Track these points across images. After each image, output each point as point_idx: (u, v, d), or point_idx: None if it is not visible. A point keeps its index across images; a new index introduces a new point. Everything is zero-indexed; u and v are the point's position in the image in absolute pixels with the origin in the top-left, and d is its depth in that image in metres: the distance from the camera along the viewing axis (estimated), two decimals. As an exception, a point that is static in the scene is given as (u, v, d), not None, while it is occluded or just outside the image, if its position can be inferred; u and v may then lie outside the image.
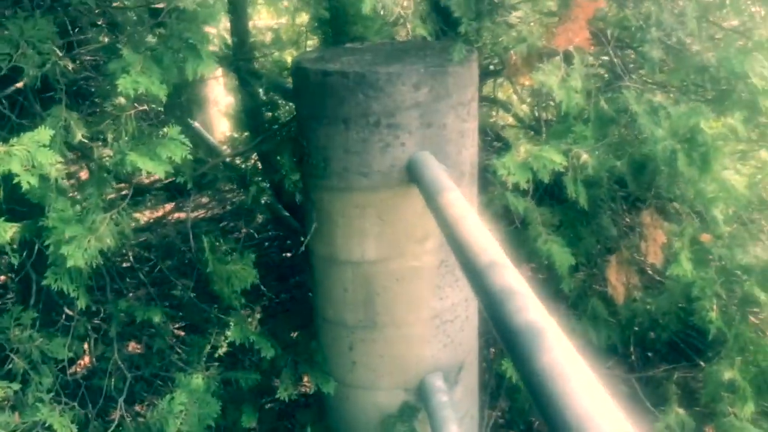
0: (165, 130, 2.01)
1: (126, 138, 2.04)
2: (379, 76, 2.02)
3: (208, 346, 2.60)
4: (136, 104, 2.23)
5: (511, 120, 3.99)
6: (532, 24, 2.41)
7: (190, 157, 1.94)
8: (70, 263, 1.90)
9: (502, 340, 1.14)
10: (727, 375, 2.28)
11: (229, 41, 4.26)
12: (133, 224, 4.19)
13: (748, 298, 2.46)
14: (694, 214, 2.71)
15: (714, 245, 2.48)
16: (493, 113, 3.82)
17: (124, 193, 2.37)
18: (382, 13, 2.02)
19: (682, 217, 2.51)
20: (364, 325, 2.29)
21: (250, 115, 3.20)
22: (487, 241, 1.42)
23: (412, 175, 2.05)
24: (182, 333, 3.39)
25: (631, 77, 2.78)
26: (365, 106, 2.04)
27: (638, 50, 2.99)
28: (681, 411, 2.37)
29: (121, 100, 2.15)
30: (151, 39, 2.19)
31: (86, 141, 2.08)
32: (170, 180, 2.68)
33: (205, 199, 4.78)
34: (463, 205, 1.65)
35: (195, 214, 4.48)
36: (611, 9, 3.18)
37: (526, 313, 1.11)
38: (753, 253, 2.51)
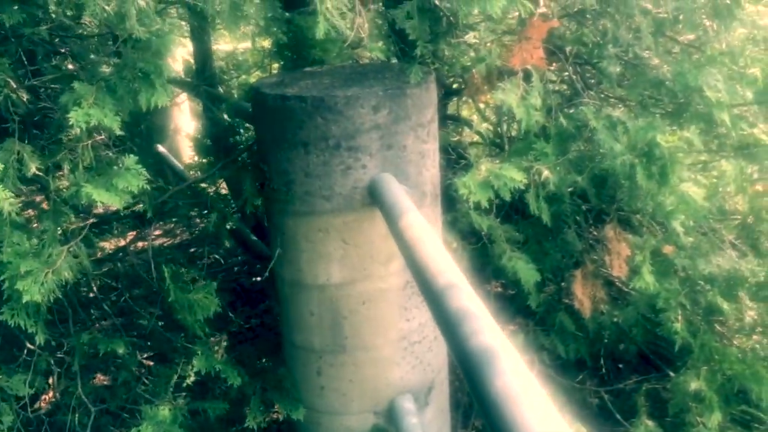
0: (123, 159, 1.99)
1: (82, 169, 2.01)
2: (338, 99, 2.02)
3: (176, 376, 2.56)
4: (96, 133, 2.20)
5: (476, 137, 4.03)
6: (488, 44, 2.43)
7: (147, 186, 1.92)
8: (26, 298, 1.86)
9: (457, 363, 1.14)
10: (694, 385, 2.29)
11: (193, 66, 4.24)
12: (100, 253, 4.12)
13: (712, 308, 2.48)
14: (657, 226, 2.74)
15: (677, 256, 2.51)
16: (458, 131, 3.84)
17: (90, 221, 2.33)
18: (347, 35, 2.03)
19: (644, 230, 2.54)
20: (332, 349, 2.27)
21: (213, 140, 3.19)
22: (444, 263, 1.42)
23: (374, 197, 2.04)
24: (151, 363, 3.33)
25: (590, 93, 2.82)
26: (325, 130, 2.04)
27: (597, 66, 3.04)
28: (650, 423, 2.38)
29: (77, 130, 2.12)
30: (106, 69, 2.18)
31: (41, 173, 2.04)
32: (136, 207, 2.65)
33: (172, 225, 4.72)
34: (423, 226, 1.64)
35: (161, 240, 4.42)
36: (570, 26, 3.24)
37: (480, 336, 1.11)
38: (715, 263, 2.54)
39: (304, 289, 2.23)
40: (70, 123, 1.73)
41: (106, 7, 1.73)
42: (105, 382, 3.30)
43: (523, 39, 2.31)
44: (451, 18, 2.43)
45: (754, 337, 2.64)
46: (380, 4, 3.16)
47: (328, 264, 2.16)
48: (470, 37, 2.54)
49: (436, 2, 2.49)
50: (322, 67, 2.51)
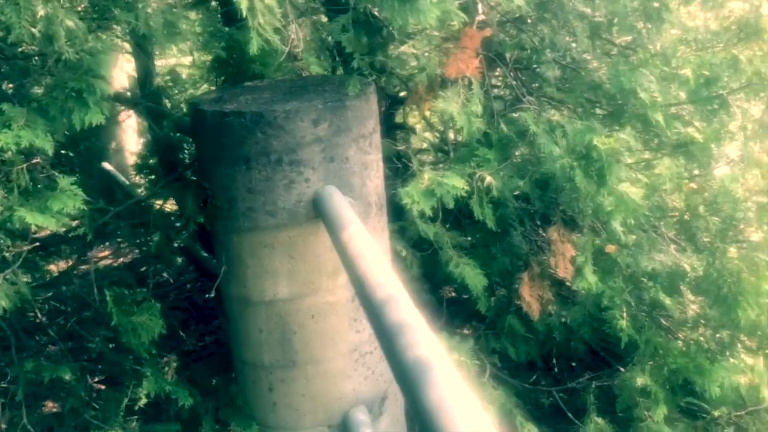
0: (59, 181, 1.94)
1: (17, 193, 1.96)
2: (277, 114, 2.02)
3: (126, 400, 2.51)
4: (34, 155, 2.15)
5: (425, 145, 4.06)
6: (426, 54, 2.46)
7: (84, 207, 1.88)
8: (-40, 330, 1.81)
9: (394, 376, 1.14)
10: (640, 381, 2.35)
11: (135, 82, 4.17)
12: (48, 276, 4.01)
13: (656, 304, 2.55)
14: (602, 225, 2.80)
15: (620, 254, 2.57)
16: (406, 139, 3.87)
17: (27, 247, 2.27)
18: (282, 49, 2.03)
19: (584, 231, 2.59)
20: (283, 364, 2.25)
21: (157, 157, 3.15)
22: (385, 276, 1.43)
23: (318, 211, 2.04)
24: (103, 386, 3.25)
25: (530, 99, 2.87)
26: (265, 145, 2.03)
27: (536, 71, 3.10)
28: (600, 420, 2.43)
29: (10, 153, 2.07)
30: (39, 90, 2.13)
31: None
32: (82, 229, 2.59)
33: (121, 244, 4.63)
34: (365, 239, 1.65)
35: (110, 260, 4.33)
36: (511, 33, 3.29)
37: (416, 348, 1.11)
38: (657, 259, 2.61)
39: (251, 305, 2.21)
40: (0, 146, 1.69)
41: (33, 29, 1.69)
42: (55, 410, 3.20)
43: (457, 49, 2.34)
44: (391, 29, 2.45)
45: (700, 329, 2.72)
46: (322, 15, 3.17)
47: (275, 279, 2.15)
48: (409, 47, 2.56)
49: (375, 13, 2.50)
50: (262, 81, 2.50)
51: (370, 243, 1.63)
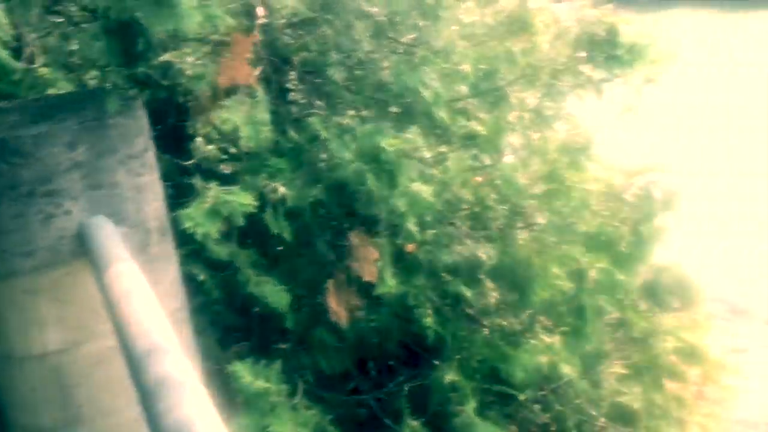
0: None
1: None
2: (24, 139, 1.76)
3: None
4: None
5: (225, 156, 3.85)
6: (200, 62, 2.29)
7: None
8: None
9: (155, 445, 0.99)
10: (449, 377, 2.37)
11: None
12: None
13: (458, 297, 2.59)
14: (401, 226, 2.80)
15: (420, 252, 2.57)
16: (198, 153, 3.65)
17: None
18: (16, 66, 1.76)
19: (383, 233, 2.57)
20: (68, 423, 1.98)
21: None
22: (150, 323, 1.26)
23: (83, 246, 1.81)
24: None
25: (320, 103, 2.79)
26: (12, 176, 1.77)
27: (324, 74, 3.03)
28: (415, 423, 2.41)
29: None
30: None
31: None
32: None
33: None
34: (132, 278, 1.47)
35: None
36: (297, 35, 3.20)
37: (177, 410, 0.97)
38: (456, 252, 2.65)
39: (17, 363, 1.92)
40: None
41: None
42: None
43: (230, 56, 2.20)
44: (156, 37, 2.24)
45: (501, 316, 2.80)
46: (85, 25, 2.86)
47: (43, 329, 1.88)
48: (176, 55, 2.37)
49: (141, 20, 2.28)
50: (10, 102, 2.18)
51: (139, 283, 1.45)
